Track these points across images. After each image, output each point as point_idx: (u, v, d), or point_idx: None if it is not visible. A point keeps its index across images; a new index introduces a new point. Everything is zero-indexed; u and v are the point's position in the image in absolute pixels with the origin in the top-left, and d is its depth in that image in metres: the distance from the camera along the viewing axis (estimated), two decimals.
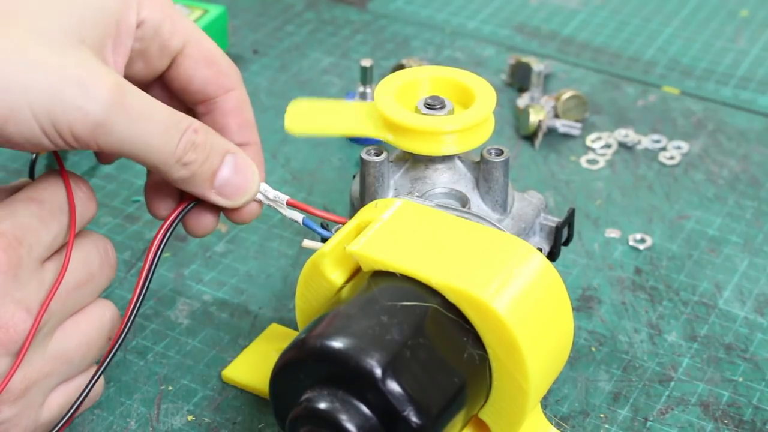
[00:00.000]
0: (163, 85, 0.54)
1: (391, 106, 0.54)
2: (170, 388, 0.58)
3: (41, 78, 0.45)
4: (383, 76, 0.78)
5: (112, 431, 0.56)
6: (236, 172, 0.51)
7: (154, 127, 0.48)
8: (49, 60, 0.45)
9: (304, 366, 0.46)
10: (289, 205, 0.53)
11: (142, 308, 0.62)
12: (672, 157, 0.74)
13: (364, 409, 0.45)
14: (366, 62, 0.75)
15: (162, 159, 0.49)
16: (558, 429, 0.55)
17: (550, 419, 0.56)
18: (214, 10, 0.80)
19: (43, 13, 0.47)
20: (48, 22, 0.47)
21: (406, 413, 0.44)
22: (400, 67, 0.79)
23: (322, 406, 0.45)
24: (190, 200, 0.53)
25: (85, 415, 0.56)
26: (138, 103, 0.47)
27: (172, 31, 0.51)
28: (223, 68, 0.53)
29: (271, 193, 0.53)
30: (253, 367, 0.58)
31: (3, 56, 0.45)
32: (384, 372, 0.44)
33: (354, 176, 0.57)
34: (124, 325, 0.51)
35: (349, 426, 0.44)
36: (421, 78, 0.56)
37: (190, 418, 0.56)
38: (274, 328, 0.61)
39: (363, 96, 0.75)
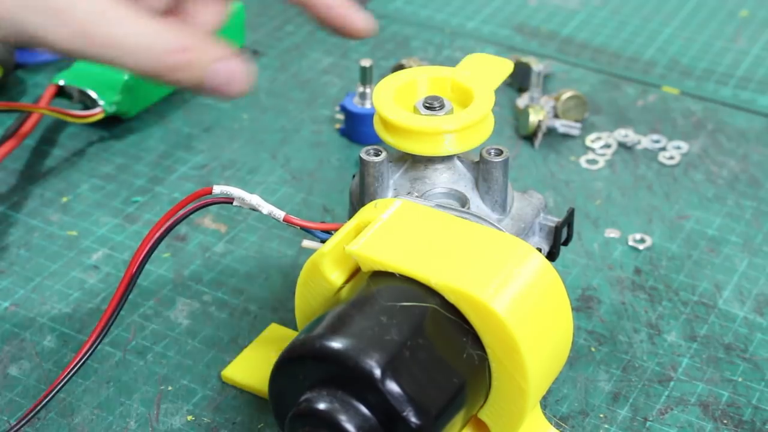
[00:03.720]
0: None
1: (390, 106, 0.54)
2: (170, 388, 0.58)
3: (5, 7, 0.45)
4: (383, 76, 0.78)
5: (111, 431, 0.56)
6: (228, 74, 0.49)
7: (127, 56, 0.47)
8: None
9: (304, 366, 0.46)
10: (286, 221, 0.52)
11: (141, 308, 0.62)
12: (672, 157, 0.74)
13: (364, 409, 0.45)
14: (365, 62, 0.75)
15: (143, 75, 0.48)
16: (557, 429, 0.55)
17: (549, 419, 0.56)
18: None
19: None
20: None
21: (405, 413, 0.44)
22: (400, 67, 0.79)
23: (322, 406, 0.45)
24: (189, 200, 0.53)
25: (85, 415, 0.56)
26: (103, 30, 0.46)
27: None
28: None
29: (266, 208, 0.53)
30: (252, 367, 0.58)
31: None
32: (383, 372, 0.44)
33: (353, 176, 0.57)
34: (104, 323, 0.51)
35: (349, 426, 0.44)
36: (419, 78, 0.56)
37: (189, 418, 0.56)
38: (274, 328, 0.61)
39: (363, 96, 0.75)
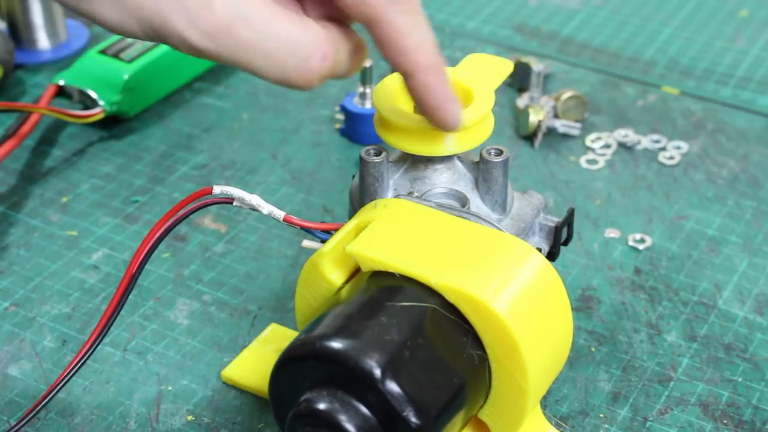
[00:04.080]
0: None
1: (391, 106, 0.54)
2: (170, 388, 0.58)
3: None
4: (383, 76, 0.78)
5: (111, 431, 0.56)
6: None
7: (264, 57, 0.46)
8: None
9: (304, 366, 0.46)
10: (286, 221, 0.52)
11: (141, 308, 0.62)
12: (671, 157, 0.74)
13: (364, 409, 0.45)
14: (366, 62, 0.75)
15: (276, 80, 0.47)
16: (557, 429, 0.55)
17: (549, 419, 0.56)
18: None
19: None
20: None
21: (405, 414, 0.44)
22: None
23: (322, 406, 0.45)
24: (189, 201, 0.53)
25: (85, 415, 0.56)
26: (248, 31, 0.45)
27: None
28: None
29: (266, 208, 0.53)
30: (252, 367, 0.58)
31: None
32: (383, 372, 0.44)
33: (353, 176, 0.57)
34: (104, 323, 0.51)
35: (349, 426, 0.44)
36: None
37: (189, 418, 0.56)
38: (274, 328, 0.61)
39: (363, 96, 0.75)
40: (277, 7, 0.46)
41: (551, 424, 0.55)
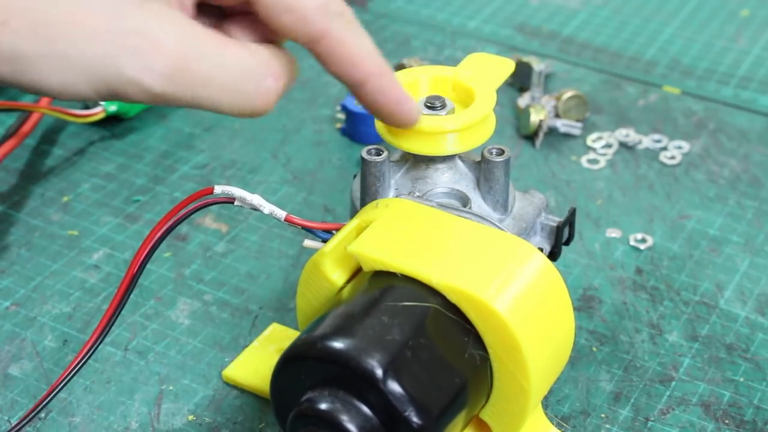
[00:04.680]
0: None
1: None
2: (171, 387, 0.58)
3: (93, 51, 0.43)
4: None
5: (112, 431, 0.56)
6: None
7: (223, 90, 0.45)
8: (101, 25, 0.43)
9: (305, 366, 0.46)
10: (287, 221, 0.52)
11: (142, 308, 0.62)
12: (673, 157, 0.74)
13: (365, 409, 0.45)
14: None
15: (236, 111, 0.46)
16: (559, 429, 0.55)
17: (551, 419, 0.56)
18: None
19: None
20: None
21: (407, 414, 0.44)
22: (401, 66, 0.79)
23: (323, 406, 0.45)
24: (190, 200, 0.53)
25: (86, 415, 0.56)
26: (202, 65, 0.44)
27: None
28: (305, 15, 0.46)
29: (267, 208, 0.52)
30: (253, 367, 0.58)
31: (48, 28, 0.43)
32: (385, 372, 0.44)
33: (354, 176, 0.57)
34: (105, 322, 0.51)
35: (350, 426, 0.44)
36: (421, 78, 0.56)
37: (190, 417, 0.56)
38: (275, 328, 0.61)
39: None
40: (222, 37, 0.45)
41: (553, 424, 0.55)
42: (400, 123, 0.51)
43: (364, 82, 0.48)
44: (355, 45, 0.48)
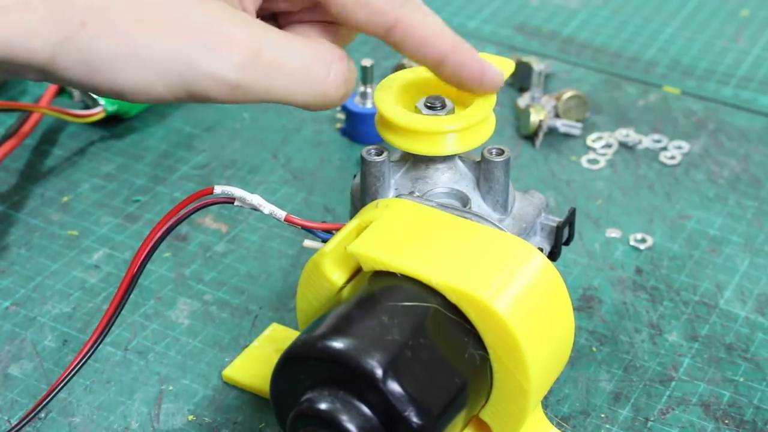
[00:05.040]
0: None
1: (392, 105, 0.54)
2: (171, 387, 0.58)
3: (169, 47, 0.43)
4: (383, 76, 0.78)
5: (112, 431, 0.56)
6: None
7: (296, 77, 0.46)
8: (173, 24, 0.44)
9: (305, 366, 0.46)
10: (287, 221, 0.52)
11: (142, 308, 0.62)
12: (673, 157, 0.74)
13: (365, 409, 0.45)
14: (366, 62, 0.75)
15: (311, 100, 0.47)
16: (559, 429, 0.55)
17: (551, 419, 0.56)
18: None
19: None
20: None
21: (407, 414, 0.44)
22: (401, 66, 0.79)
23: (323, 406, 0.45)
24: (190, 200, 0.53)
25: (86, 415, 0.56)
26: (274, 52, 0.45)
27: None
28: (377, 7, 0.48)
29: (267, 208, 0.52)
30: (253, 367, 0.58)
31: (125, 28, 0.43)
32: (385, 372, 0.44)
33: (354, 176, 0.57)
34: (105, 322, 0.52)
35: (350, 426, 0.44)
36: (421, 78, 0.56)
37: (190, 418, 0.56)
38: (275, 328, 0.61)
39: (364, 95, 0.75)
40: (284, 31, 0.47)
41: (552, 424, 0.55)
42: (487, 88, 0.52)
43: (443, 60, 0.50)
44: (428, 26, 0.50)
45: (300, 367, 0.46)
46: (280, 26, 0.51)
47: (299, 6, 0.50)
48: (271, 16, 0.52)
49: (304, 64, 0.46)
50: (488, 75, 0.52)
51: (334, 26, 0.51)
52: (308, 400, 0.45)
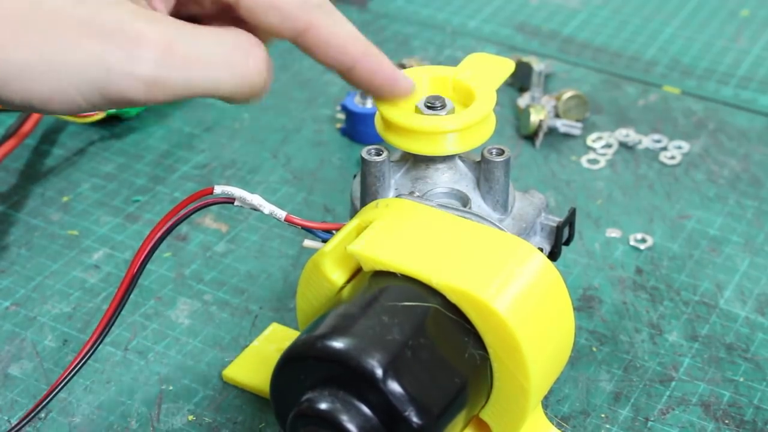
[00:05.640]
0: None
1: (392, 106, 0.54)
2: (171, 387, 0.58)
3: (80, 52, 0.43)
4: None
5: (112, 431, 0.56)
6: None
7: (214, 65, 0.45)
8: (83, 27, 0.43)
9: (305, 366, 0.46)
10: (288, 221, 0.52)
11: (142, 308, 0.62)
12: (673, 157, 0.74)
13: (365, 409, 0.45)
14: None
15: (236, 89, 0.46)
16: (559, 429, 0.55)
17: (551, 419, 0.56)
18: None
19: None
20: None
21: (407, 413, 0.44)
22: (401, 66, 0.79)
23: (323, 406, 0.45)
24: (190, 200, 0.53)
25: (86, 415, 0.56)
26: (187, 44, 0.44)
27: None
28: (287, 11, 0.48)
29: (267, 208, 0.52)
30: (253, 367, 0.58)
31: (35, 35, 0.42)
32: (385, 372, 0.44)
33: (354, 176, 0.57)
34: (105, 322, 0.52)
35: (350, 426, 0.44)
36: (421, 78, 0.56)
37: (190, 417, 0.56)
38: (275, 327, 0.61)
39: (364, 95, 0.75)
40: (198, 25, 0.46)
41: (552, 424, 0.55)
42: (396, 96, 0.52)
43: (354, 65, 0.49)
44: (339, 32, 0.49)
45: (300, 366, 0.46)
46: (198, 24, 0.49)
47: (211, 10, 0.49)
48: (184, 20, 0.50)
49: (221, 51, 0.45)
50: (400, 81, 0.51)
51: (246, 29, 0.50)
52: (308, 399, 0.45)
